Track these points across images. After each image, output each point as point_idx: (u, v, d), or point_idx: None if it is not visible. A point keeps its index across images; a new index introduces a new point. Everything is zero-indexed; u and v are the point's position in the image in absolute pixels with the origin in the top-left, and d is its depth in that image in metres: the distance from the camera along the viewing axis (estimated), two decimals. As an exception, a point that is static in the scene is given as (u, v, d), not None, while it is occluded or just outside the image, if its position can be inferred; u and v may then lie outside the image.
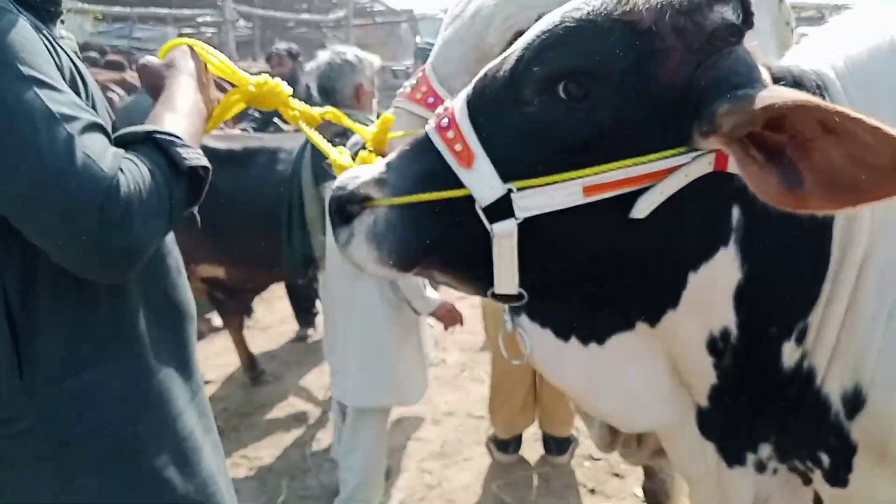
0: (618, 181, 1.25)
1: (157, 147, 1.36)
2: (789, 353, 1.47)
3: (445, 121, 1.36)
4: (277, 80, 1.67)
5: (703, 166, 1.26)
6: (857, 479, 1.48)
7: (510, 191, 1.28)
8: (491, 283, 1.37)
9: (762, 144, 1.15)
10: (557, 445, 4.02)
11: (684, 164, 1.25)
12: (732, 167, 1.24)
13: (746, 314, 1.44)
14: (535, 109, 1.29)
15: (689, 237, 1.35)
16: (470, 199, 1.31)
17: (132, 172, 1.29)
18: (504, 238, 1.30)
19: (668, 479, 2.58)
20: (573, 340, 1.56)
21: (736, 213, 1.35)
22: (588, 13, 1.25)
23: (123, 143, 1.37)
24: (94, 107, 1.43)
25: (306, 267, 3.80)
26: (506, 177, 1.28)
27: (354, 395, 3.38)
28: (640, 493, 3.62)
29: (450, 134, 1.33)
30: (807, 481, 1.60)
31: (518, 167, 1.29)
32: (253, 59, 12.46)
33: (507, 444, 4.05)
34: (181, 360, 1.59)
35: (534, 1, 1.76)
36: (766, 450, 1.59)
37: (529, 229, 1.30)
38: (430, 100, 1.86)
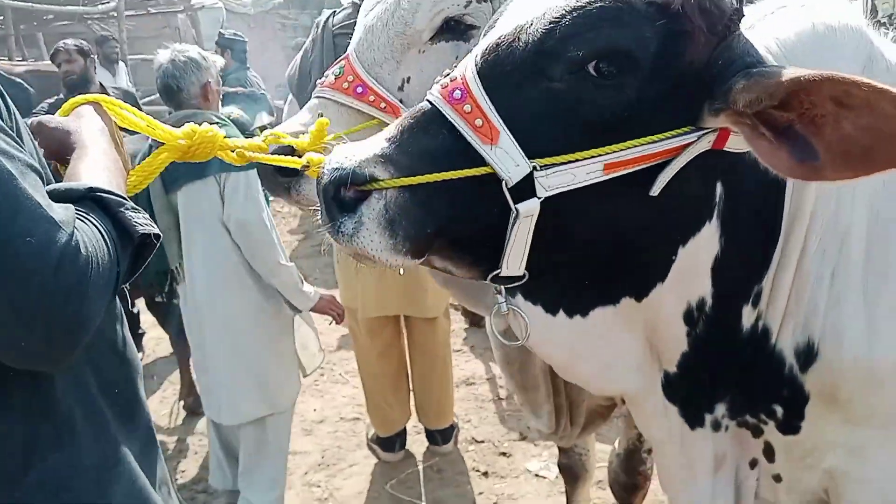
0: (635, 158, 1.27)
1: (100, 208, 1.14)
2: (747, 316, 1.59)
3: (458, 93, 1.27)
4: (207, 124, 1.45)
5: (704, 144, 1.31)
6: (809, 426, 1.63)
7: (535, 168, 1.25)
8: (496, 265, 1.33)
9: (769, 122, 1.22)
10: (441, 435, 4.05)
11: (692, 143, 1.30)
12: (732, 144, 1.32)
13: (720, 284, 1.53)
14: (563, 86, 1.26)
15: (683, 212, 1.42)
16: (491, 178, 1.25)
17: (86, 231, 1.07)
18: (526, 218, 1.27)
19: (584, 453, 2.70)
20: (560, 314, 1.59)
21: (719, 188, 1.43)
22: None
23: (56, 200, 1.12)
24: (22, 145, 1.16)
25: (162, 282, 3.47)
26: (530, 154, 1.25)
27: (229, 411, 3.21)
28: (532, 467, 3.76)
29: (466, 107, 1.26)
30: (757, 433, 1.74)
31: (542, 145, 1.26)
32: (8, 58, 10.92)
33: (391, 442, 4.01)
34: (141, 420, 1.37)
35: None
36: (721, 409, 1.71)
37: (545, 208, 1.28)
38: (359, 89, 1.78)
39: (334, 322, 3.42)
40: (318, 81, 1.90)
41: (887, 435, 1.60)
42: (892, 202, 1.53)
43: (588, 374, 1.72)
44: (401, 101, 1.78)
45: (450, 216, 1.29)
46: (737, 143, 1.32)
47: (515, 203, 1.26)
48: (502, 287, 1.47)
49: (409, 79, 1.81)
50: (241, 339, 3.17)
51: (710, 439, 1.74)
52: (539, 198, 1.26)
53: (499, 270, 1.33)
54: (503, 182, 1.25)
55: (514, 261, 1.32)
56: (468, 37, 1.79)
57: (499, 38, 1.32)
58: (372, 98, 1.77)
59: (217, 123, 3.13)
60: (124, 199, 1.18)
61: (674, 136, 1.28)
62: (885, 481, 1.63)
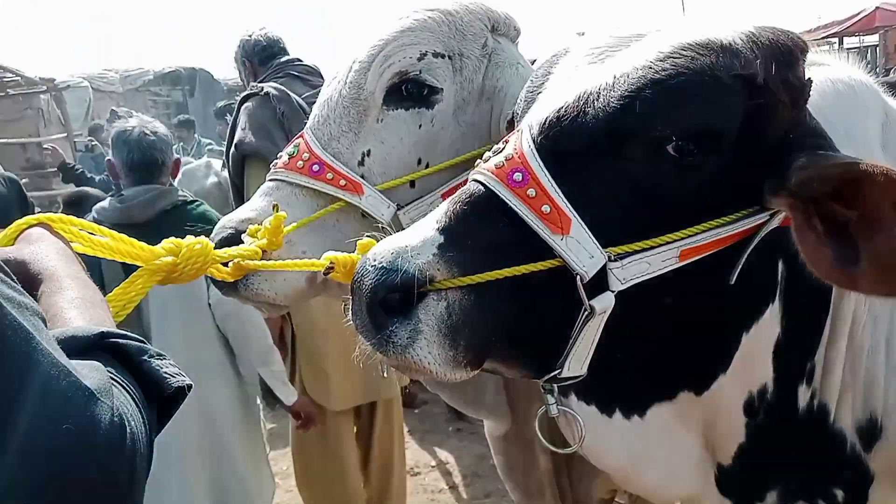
0: (711, 242, 1.16)
1: (117, 359, 0.87)
2: (803, 395, 1.46)
3: (519, 175, 1.11)
4: (191, 237, 1.19)
5: (774, 223, 1.20)
6: (872, 509, 1.50)
7: (609, 259, 1.11)
8: (554, 365, 1.17)
9: (827, 217, 1.12)
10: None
11: (764, 222, 1.19)
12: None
13: (781, 368, 1.41)
14: (640, 167, 1.14)
15: (749, 297, 1.30)
16: (561, 272, 1.10)
17: (120, 398, 0.80)
18: (599, 315, 1.12)
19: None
20: (616, 415, 1.44)
21: (781, 267, 1.32)
22: (704, 64, 1.11)
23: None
24: None
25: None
26: (602, 243, 1.11)
27: None
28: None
29: (530, 192, 1.10)
30: (811, 520, 1.60)
31: (615, 232, 1.13)
32: None
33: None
34: None
35: (412, 39, 1.63)
36: (772, 497, 1.56)
37: (616, 302, 1.14)
38: (315, 167, 1.61)
39: (299, 426, 3.13)
40: (272, 163, 1.72)
41: (955, 509, 1.49)
42: None
43: (654, 481, 1.55)
44: (362, 177, 1.62)
45: (516, 319, 1.12)
46: None
47: (589, 299, 1.11)
48: (554, 386, 1.27)
49: (369, 152, 1.64)
50: (225, 438, 2.91)
51: None
52: (612, 291, 1.12)
53: (558, 371, 1.17)
54: (578, 277, 1.10)
55: (578, 360, 1.17)
56: (431, 102, 1.64)
57: (560, 110, 1.16)
58: (330, 175, 1.60)
59: (189, 204, 2.86)
60: (144, 342, 0.91)
61: (746, 217, 1.18)
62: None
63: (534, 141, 1.15)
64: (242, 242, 1.44)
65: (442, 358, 1.06)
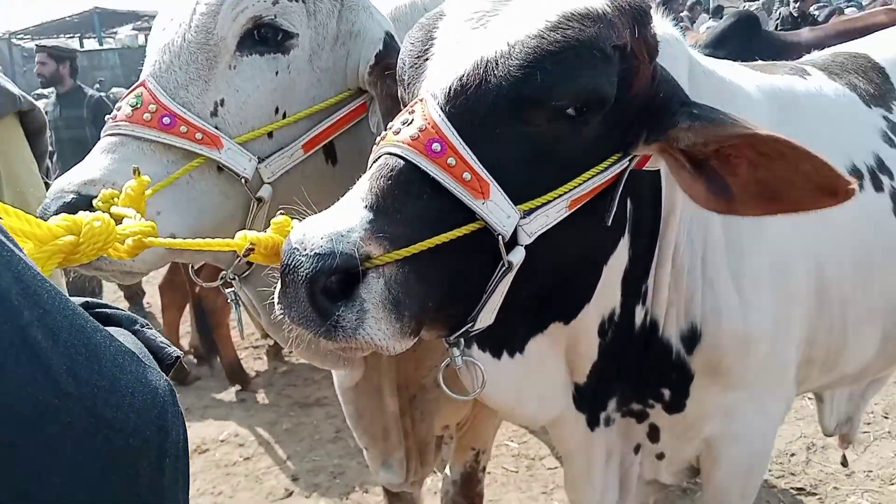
0: (592, 190, 1.30)
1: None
2: (639, 315, 1.70)
3: (438, 146, 1.14)
4: (86, 213, 0.99)
5: (630, 167, 1.37)
6: (692, 401, 1.80)
7: (520, 216, 1.20)
8: (469, 320, 1.25)
9: (690, 157, 1.32)
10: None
11: (626, 167, 1.35)
12: (650, 164, 1.41)
13: (626, 293, 1.62)
14: (544, 129, 1.22)
15: (611, 233, 1.47)
16: (482, 234, 1.17)
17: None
18: (515, 269, 1.21)
19: (417, 494, 2.57)
20: (504, 356, 1.55)
21: (629, 205, 1.51)
22: (591, 37, 1.22)
23: None
24: None
25: None
26: (515, 202, 1.19)
27: None
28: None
29: (450, 160, 1.14)
30: (642, 419, 1.86)
31: (524, 191, 1.21)
32: None
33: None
34: None
35: None
36: (612, 405, 1.81)
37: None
38: (166, 119, 1.47)
39: None
40: (109, 116, 1.53)
41: (751, 393, 1.83)
42: None
43: (533, 409, 1.69)
44: (216, 129, 1.51)
45: (446, 282, 1.18)
46: (653, 163, 1.41)
47: (507, 255, 1.20)
48: (461, 340, 1.33)
49: (222, 101, 1.53)
50: None
51: (603, 436, 1.83)
52: (522, 245, 1.22)
53: (471, 324, 1.25)
54: (499, 237, 1.18)
55: (489, 312, 1.26)
56: (286, 48, 1.57)
57: (462, 78, 1.21)
58: (183, 129, 1.47)
59: None
60: (129, 312, 0.85)
61: (615, 163, 1.33)
62: (750, 434, 1.88)
63: (442, 110, 1.18)
64: (92, 209, 1.26)
65: (391, 332, 1.08)
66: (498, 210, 1.16)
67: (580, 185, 1.26)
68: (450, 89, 1.20)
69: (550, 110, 1.21)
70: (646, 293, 1.68)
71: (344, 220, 1.08)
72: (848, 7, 12.48)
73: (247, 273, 1.63)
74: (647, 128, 1.32)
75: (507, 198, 1.18)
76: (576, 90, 1.21)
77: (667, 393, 1.78)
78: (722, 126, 1.27)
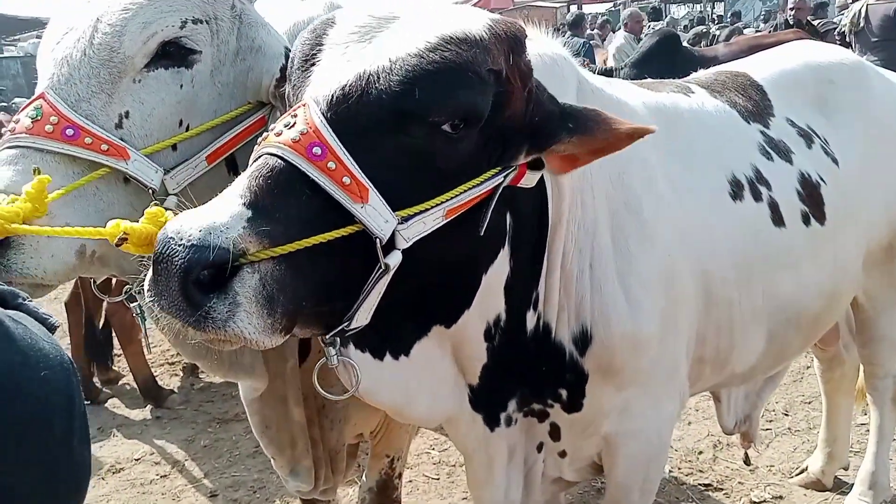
0: (468, 201, 1.39)
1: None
2: (531, 319, 1.78)
3: (318, 149, 1.20)
4: None
5: (506, 182, 1.47)
6: (589, 400, 1.89)
7: (398, 222, 1.27)
8: (345, 320, 1.31)
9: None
10: None
11: (501, 182, 1.45)
12: (525, 181, 1.52)
13: (511, 299, 1.71)
14: (421, 141, 1.30)
15: (490, 243, 1.56)
16: (360, 236, 1.24)
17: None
18: (391, 271, 1.28)
19: (332, 500, 2.58)
20: (387, 357, 1.61)
21: (509, 217, 1.60)
22: (467, 60, 1.31)
23: None
24: None
25: None
26: (393, 208, 1.26)
27: None
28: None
29: (330, 164, 1.20)
30: (543, 418, 1.94)
31: (402, 197, 1.28)
32: None
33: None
34: None
35: (173, 4, 1.60)
36: (512, 405, 1.88)
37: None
38: (69, 131, 1.48)
39: None
40: (6, 129, 1.54)
41: (645, 391, 1.93)
42: (618, 192, 1.85)
43: (423, 410, 1.74)
44: (122, 140, 1.54)
45: (322, 282, 1.23)
46: (527, 181, 1.53)
47: (384, 258, 1.26)
48: (336, 339, 1.40)
49: (127, 113, 1.56)
50: None
51: (504, 435, 1.90)
52: (399, 249, 1.29)
53: (347, 324, 1.31)
54: (377, 240, 1.24)
55: (365, 312, 1.33)
56: (190, 63, 1.62)
57: (344, 87, 1.28)
58: (88, 140, 1.49)
59: None
60: (10, 287, 0.90)
61: (491, 177, 1.43)
62: (646, 430, 1.99)
63: (324, 116, 1.24)
64: None
65: (261, 327, 1.12)
66: (376, 214, 1.23)
67: (456, 196, 1.35)
68: (332, 97, 1.26)
69: (427, 124, 1.29)
70: (537, 299, 1.76)
71: (221, 214, 1.11)
72: (746, 28, 13.36)
73: None
74: (528, 144, 1.44)
75: (385, 203, 1.24)
76: (451, 107, 1.30)
77: (564, 393, 1.87)
78: (593, 138, 1.44)
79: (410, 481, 3.79)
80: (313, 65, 1.36)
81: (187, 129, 1.62)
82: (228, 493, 3.75)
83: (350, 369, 1.50)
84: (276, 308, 1.13)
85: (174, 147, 1.60)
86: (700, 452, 3.94)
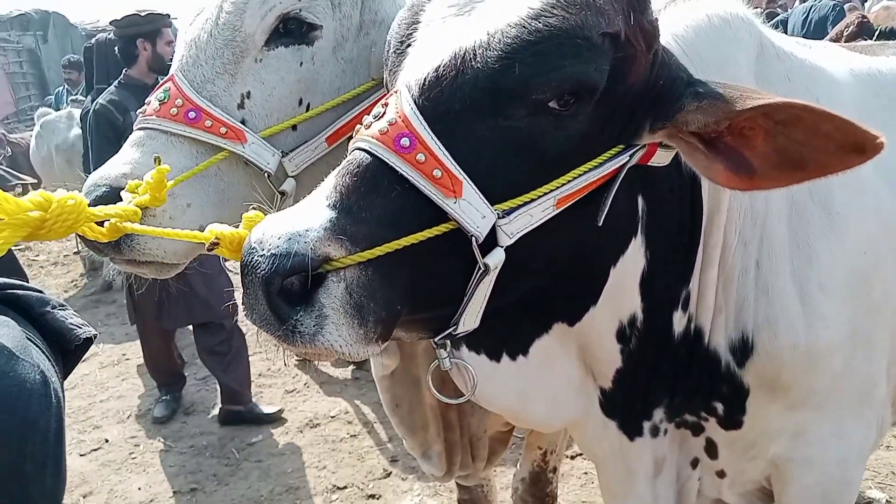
0: (584, 187, 1.20)
1: (17, 310, 0.83)
2: (678, 321, 1.55)
3: (406, 140, 1.08)
4: (63, 191, 1.08)
5: (633, 162, 1.26)
6: (751, 418, 1.62)
7: (498, 216, 1.13)
8: (451, 324, 1.19)
9: (702, 138, 1.21)
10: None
11: (626, 162, 1.24)
12: (656, 159, 1.29)
13: (649, 297, 1.49)
14: (523, 124, 1.14)
15: (615, 233, 1.35)
16: (455, 234, 1.11)
17: (41, 359, 0.76)
18: (494, 271, 1.14)
19: (485, 485, 2.55)
20: (504, 358, 1.49)
21: (641, 203, 1.38)
22: (575, 25, 1.13)
23: None
24: None
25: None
26: (491, 201, 1.12)
27: None
28: (409, 504, 3.55)
29: (419, 157, 1.08)
30: (698, 432, 1.71)
31: (503, 189, 1.14)
32: None
33: None
34: None
35: None
36: (658, 414, 1.67)
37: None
38: (192, 114, 1.52)
39: None
40: (139, 110, 1.61)
41: (824, 413, 1.62)
42: (803, 185, 1.55)
43: (541, 413, 1.61)
44: (243, 122, 1.55)
45: (417, 285, 1.12)
46: (659, 158, 1.29)
47: (483, 257, 1.13)
48: (447, 342, 1.28)
49: (248, 94, 1.56)
50: None
51: (648, 446, 1.70)
52: (502, 247, 1.14)
53: (454, 328, 1.19)
54: (473, 238, 1.11)
55: (472, 315, 1.20)
56: (311, 39, 1.58)
57: (438, 69, 1.14)
58: (209, 123, 1.51)
59: None
60: (43, 293, 0.89)
61: (611, 158, 1.23)
62: (825, 460, 1.67)
63: (415, 102, 1.12)
64: (121, 200, 1.33)
65: (353, 338, 1.03)
66: (472, 210, 1.10)
67: (568, 182, 1.17)
68: (425, 81, 1.14)
69: (530, 104, 1.13)
70: (687, 298, 1.53)
71: (304, 219, 1.04)
72: None
73: None
74: (651, 116, 1.22)
75: (482, 197, 1.11)
76: (557, 81, 1.12)
77: (720, 407, 1.63)
78: (730, 101, 1.16)
79: (586, 473, 3.64)
80: (409, 46, 1.25)
81: (308, 109, 1.59)
82: (408, 461, 3.87)
83: (464, 372, 1.41)
84: (367, 317, 1.04)
85: (294, 128, 1.58)
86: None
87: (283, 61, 1.56)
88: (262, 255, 1.01)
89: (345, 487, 3.80)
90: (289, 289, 1.00)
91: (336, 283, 1.02)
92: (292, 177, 1.57)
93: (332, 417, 4.45)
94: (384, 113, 1.14)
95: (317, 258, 1.00)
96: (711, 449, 1.72)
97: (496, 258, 1.13)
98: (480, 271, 1.13)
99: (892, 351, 1.65)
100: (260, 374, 5.00)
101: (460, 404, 2.06)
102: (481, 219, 1.10)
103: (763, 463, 1.71)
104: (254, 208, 1.17)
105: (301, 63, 1.58)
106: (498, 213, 1.12)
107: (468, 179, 1.09)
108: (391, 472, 3.86)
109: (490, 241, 1.13)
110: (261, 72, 1.56)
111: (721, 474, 1.77)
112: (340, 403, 4.59)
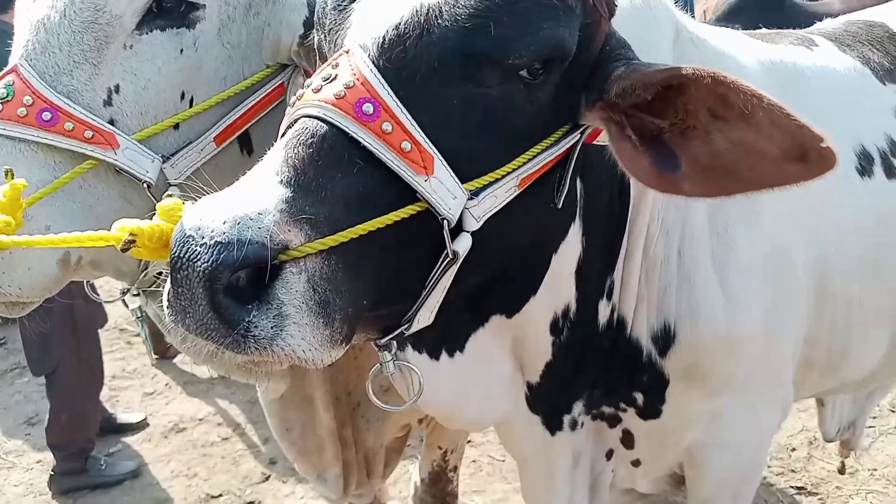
0: (542, 167, 1.12)
1: None
2: (603, 311, 1.51)
3: (369, 107, 0.94)
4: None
5: (581, 139, 1.18)
6: (670, 407, 1.61)
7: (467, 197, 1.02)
8: (405, 321, 1.08)
9: (638, 127, 1.13)
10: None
11: (577, 140, 1.17)
12: (602, 137, 1.21)
13: (582, 286, 1.44)
14: (495, 92, 1.03)
15: (561, 217, 1.28)
16: (423, 217, 0.99)
17: None
18: (460, 259, 1.03)
19: (378, 493, 2.42)
20: (443, 356, 1.40)
21: (579, 186, 1.31)
22: None
23: None
24: None
25: None
26: (462, 180, 1.01)
27: None
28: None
29: (385, 126, 0.94)
30: (614, 423, 1.69)
31: (472, 166, 1.03)
32: None
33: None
34: None
35: None
36: (578, 407, 1.63)
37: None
38: (46, 115, 1.25)
39: None
40: None
41: (739, 398, 1.64)
42: None
43: (474, 412, 1.53)
44: (112, 123, 1.30)
45: (380, 277, 0.98)
46: (604, 137, 1.21)
47: (452, 243, 1.02)
48: (393, 343, 1.15)
49: (117, 87, 1.32)
50: None
51: (568, 440, 1.66)
52: (468, 232, 1.03)
53: (407, 325, 1.08)
54: (444, 221, 0.99)
55: (428, 311, 1.09)
56: (192, 21, 1.36)
57: (398, 27, 1.00)
58: (69, 125, 1.26)
59: None
60: None
61: (564, 135, 1.15)
62: (740, 443, 1.70)
63: (374, 64, 0.97)
64: None
65: (318, 340, 0.88)
66: (443, 189, 0.98)
67: (531, 159, 1.08)
68: (384, 39, 1.00)
69: (505, 69, 1.02)
70: (612, 287, 1.49)
71: (253, 199, 0.87)
72: None
73: (153, 287, 1.43)
74: (587, 87, 1.14)
75: (453, 175, 0.99)
76: (537, 45, 1.02)
77: (639, 397, 1.60)
78: (653, 68, 1.08)
79: (474, 461, 3.61)
80: (353, 1, 1.10)
81: (191, 104, 1.37)
82: (287, 462, 3.64)
83: (409, 375, 1.28)
84: (334, 314, 0.89)
85: (175, 126, 1.36)
86: (793, 450, 3.59)
87: (159, 47, 1.33)
88: (202, 245, 0.82)
89: (220, 496, 3.53)
90: (235, 285, 0.83)
91: (296, 276, 0.86)
92: (176, 185, 1.34)
93: (200, 420, 4.13)
94: (335, 76, 0.97)
95: (275, 245, 0.83)
96: (628, 439, 1.70)
97: (464, 244, 1.02)
98: (448, 259, 1.01)
99: (798, 334, 1.70)
100: (113, 377, 4.55)
101: (354, 421, 1.92)
102: (452, 199, 0.99)
103: (679, 449, 1.71)
104: (169, 195, 0.96)
105: (181, 50, 1.35)
106: (468, 194, 1.01)
107: (438, 154, 0.97)
108: (269, 476, 3.64)
109: (458, 226, 1.01)
110: (132, 61, 1.32)
111: (636, 463, 1.76)
112: (208, 405, 4.28)
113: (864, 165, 1.72)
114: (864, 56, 1.88)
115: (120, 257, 1.29)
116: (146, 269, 1.40)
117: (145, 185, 1.31)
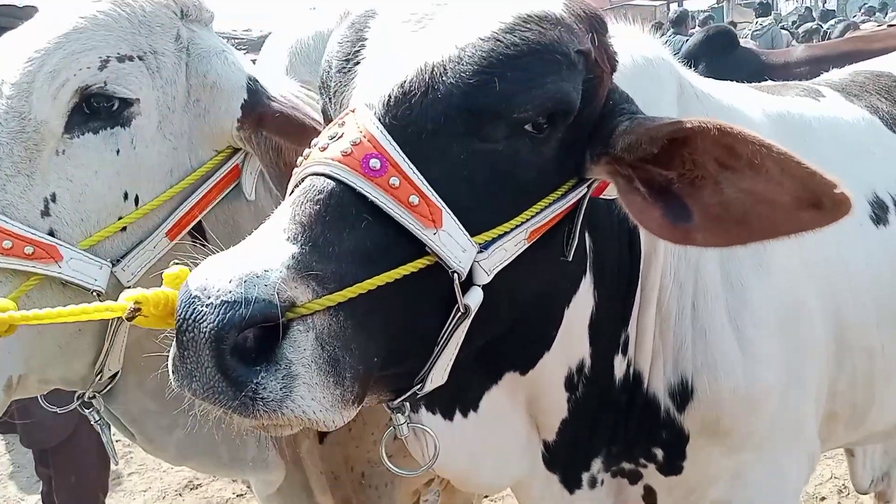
0: (551, 220, 1.12)
1: None
2: (619, 366, 1.49)
3: (377, 162, 0.94)
4: None
5: (588, 192, 1.19)
6: (691, 463, 1.58)
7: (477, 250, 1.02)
8: (417, 381, 1.06)
9: (646, 180, 1.13)
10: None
11: (585, 193, 1.18)
12: (609, 190, 1.23)
13: (596, 341, 1.42)
14: (501, 146, 1.04)
15: (572, 270, 1.29)
16: (432, 271, 0.98)
17: None
18: (472, 314, 1.02)
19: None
20: (457, 416, 1.37)
21: (588, 240, 1.32)
22: (553, 40, 1.05)
23: None
24: None
25: None
26: (470, 233, 1.01)
27: None
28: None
29: (393, 181, 0.94)
30: (635, 480, 1.65)
31: (480, 219, 1.03)
32: None
33: None
34: None
35: (85, 42, 1.29)
36: (597, 464, 1.60)
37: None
38: None
39: None
40: None
41: (761, 455, 1.61)
42: None
43: (490, 474, 1.49)
44: (51, 234, 1.26)
45: (391, 334, 0.97)
46: (611, 191, 1.23)
47: (464, 297, 1.01)
48: (405, 405, 1.13)
49: (53, 196, 1.28)
50: None
51: (587, 498, 1.62)
52: (479, 285, 1.03)
53: (420, 385, 1.06)
54: (455, 275, 0.98)
55: (441, 369, 1.07)
56: (126, 118, 1.32)
57: (403, 84, 1.02)
58: (7, 244, 1.21)
59: None
60: None
61: (572, 189, 1.16)
62: (765, 500, 1.65)
63: (381, 121, 0.99)
64: None
65: (329, 401, 0.86)
66: (452, 242, 0.98)
67: (539, 213, 1.09)
68: (389, 98, 1.01)
69: (510, 124, 1.04)
70: (627, 342, 1.48)
71: (260, 257, 0.86)
72: (866, 21, 11.85)
73: (108, 388, 1.40)
74: (592, 142, 1.15)
75: (462, 228, 0.99)
76: (541, 100, 1.03)
77: (659, 453, 1.57)
78: (658, 122, 1.08)
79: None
80: (357, 63, 1.12)
81: (137, 203, 1.33)
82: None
83: (423, 437, 1.26)
84: (344, 373, 0.87)
85: (123, 228, 1.32)
86: (822, 499, 3.48)
87: (93, 151, 1.30)
88: (208, 305, 0.82)
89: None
90: (243, 346, 0.82)
91: (304, 334, 0.85)
92: (130, 287, 1.25)
93: (215, 477, 4.09)
94: (342, 134, 0.99)
95: (283, 304, 0.82)
96: (650, 496, 1.66)
97: (475, 298, 1.01)
98: (459, 314, 1.00)
99: (819, 387, 1.66)
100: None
101: (361, 495, 1.85)
102: (462, 252, 0.99)
103: (702, 506, 1.66)
104: (176, 263, 0.96)
105: (118, 150, 1.31)
106: (477, 247, 1.01)
107: (447, 208, 0.97)
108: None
109: (468, 280, 1.01)
110: (66, 166, 1.29)
111: (659, 521, 1.71)
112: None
113: (879, 214, 1.71)
114: (873, 105, 1.89)
115: (68, 363, 1.29)
116: (101, 371, 1.36)
117: (95, 293, 1.27)
